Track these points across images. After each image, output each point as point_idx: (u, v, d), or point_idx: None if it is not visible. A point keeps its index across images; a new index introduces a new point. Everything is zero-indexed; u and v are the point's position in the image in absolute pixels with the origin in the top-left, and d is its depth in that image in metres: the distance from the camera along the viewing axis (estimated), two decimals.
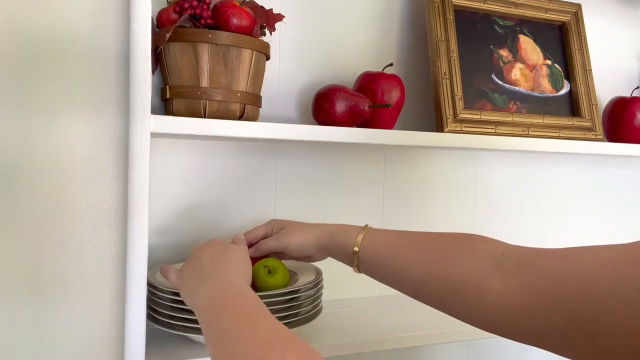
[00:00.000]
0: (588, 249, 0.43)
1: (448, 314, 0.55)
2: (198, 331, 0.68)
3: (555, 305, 0.42)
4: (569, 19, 1.04)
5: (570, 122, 0.99)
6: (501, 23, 0.99)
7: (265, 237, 0.75)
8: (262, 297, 0.68)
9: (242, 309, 0.48)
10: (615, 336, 0.38)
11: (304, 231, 0.71)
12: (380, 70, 0.88)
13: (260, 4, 0.78)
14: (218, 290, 0.53)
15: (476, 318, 0.50)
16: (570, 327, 0.40)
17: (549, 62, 1.02)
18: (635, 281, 0.37)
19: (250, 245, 0.74)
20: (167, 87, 0.73)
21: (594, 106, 1.02)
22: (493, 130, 0.92)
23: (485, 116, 0.92)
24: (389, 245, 0.62)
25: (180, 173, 0.84)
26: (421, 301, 0.58)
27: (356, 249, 0.64)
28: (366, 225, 0.67)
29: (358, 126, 0.84)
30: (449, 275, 0.53)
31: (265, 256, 0.81)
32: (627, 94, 1.11)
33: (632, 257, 0.39)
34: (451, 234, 0.58)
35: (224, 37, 0.70)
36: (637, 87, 1.14)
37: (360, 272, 0.66)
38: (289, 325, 0.71)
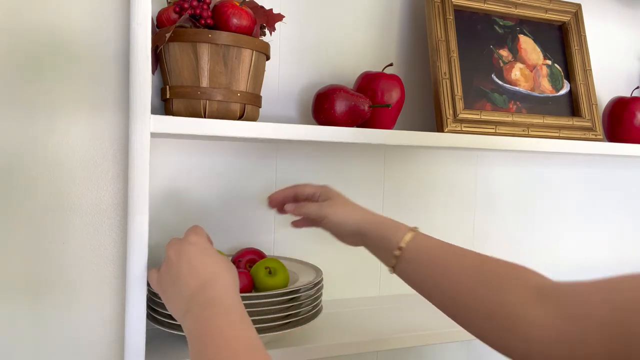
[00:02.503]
0: (624, 276, 0.43)
1: (483, 339, 0.53)
2: None
3: (592, 333, 0.41)
4: (569, 19, 1.04)
5: (570, 122, 0.99)
6: (501, 23, 0.99)
7: (311, 197, 0.74)
8: (262, 297, 0.68)
9: (227, 346, 0.47)
10: None
11: (350, 209, 0.68)
12: (380, 70, 0.88)
13: (260, 4, 0.78)
14: (204, 319, 0.50)
15: (513, 347, 0.49)
16: (609, 356, 0.40)
17: (549, 62, 1.02)
18: None
19: (294, 200, 0.74)
20: (167, 87, 0.73)
21: (594, 106, 1.02)
22: (493, 130, 0.92)
23: (485, 116, 0.92)
24: (439, 254, 0.59)
25: (180, 173, 0.84)
26: (455, 319, 0.56)
27: (402, 245, 0.61)
28: (415, 227, 0.64)
29: (358, 126, 0.84)
30: (494, 300, 0.52)
31: (262, 256, 0.81)
32: (627, 94, 1.11)
33: None
34: (500, 260, 0.57)
35: (224, 37, 0.70)
36: (637, 87, 1.14)
37: (394, 273, 0.63)
38: (289, 325, 0.71)
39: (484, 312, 0.52)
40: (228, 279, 0.56)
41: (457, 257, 0.59)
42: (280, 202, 0.76)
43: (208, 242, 0.62)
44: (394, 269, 0.63)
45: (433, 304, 0.59)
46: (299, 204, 0.72)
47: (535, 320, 0.47)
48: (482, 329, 0.53)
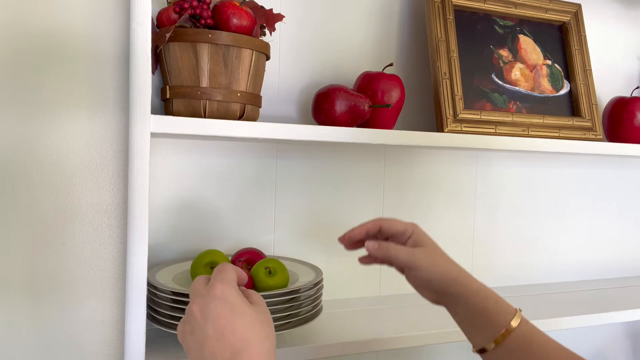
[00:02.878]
0: None
1: None
2: None
3: None
4: (569, 19, 1.04)
5: (570, 122, 0.99)
6: (501, 23, 0.99)
7: (399, 236, 0.63)
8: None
9: None
10: None
11: (447, 265, 0.59)
12: (380, 70, 0.88)
13: (260, 4, 0.78)
14: None
15: None
16: None
17: (549, 62, 1.02)
18: None
19: (375, 236, 0.63)
20: (167, 87, 0.73)
21: (594, 106, 1.02)
22: (493, 130, 0.92)
23: (485, 116, 0.92)
24: (548, 351, 0.52)
25: (180, 173, 0.84)
26: None
27: (509, 329, 0.53)
28: (519, 309, 0.56)
29: (358, 126, 0.84)
30: None
31: (262, 256, 0.81)
32: (627, 94, 1.11)
33: None
34: None
35: (224, 37, 0.70)
36: (637, 87, 1.14)
37: (481, 354, 0.55)
38: (289, 325, 0.71)
39: None
40: (260, 348, 0.46)
41: (564, 352, 0.52)
42: (361, 239, 0.64)
43: (238, 294, 0.49)
44: (483, 352, 0.55)
45: None
46: (383, 245, 0.61)
47: None
48: None
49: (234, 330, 0.46)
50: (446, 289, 0.58)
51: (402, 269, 0.62)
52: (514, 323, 0.53)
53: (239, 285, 0.51)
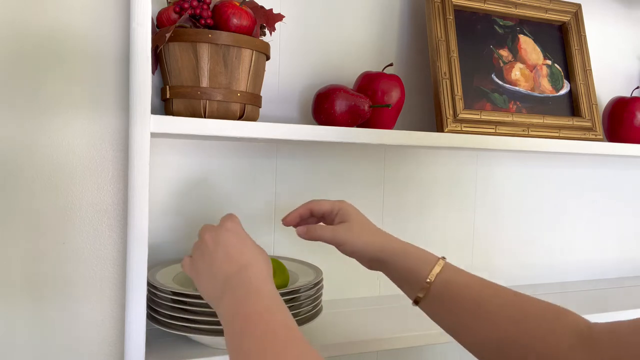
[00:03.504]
0: None
1: None
2: (198, 331, 0.68)
3: None
4: (569, 19, 1.04)
5: (570, 122, 0.99)
6: (501, 23, 0.99)
7: (328, 215, 0.69)
8: None
9: (266, 328, 0.46)
10: None
11: (368, 235, 0.64)
12: (380, 70, 0.88)
13: (260, 4, 0.78)
14: (241, 302, 0.49)
15: None
16: None
17: (549, 62, 1.02)
18: None
19: (311, 217, 0.69)
20: (167, 87, 0.73)
21: (594, 106, 1.02)
22: (493, 130, 0.92)
23: (485, 116, 0.92)
24: (471, 290, 0.56)
25: (180, 173, 0.84)
26: None
27: (430, 279, 0.58)
28: (443, 258, 0.61)
29: (358, 126, 0.84)
30: (532, 345, 0.49)
31: None
32: (627, 94, 1.11)
33: None
34: (538, 302, 0.53)
35: (224, 37, 0.70)
36: (637, 87, 1.14)
37: (417, 305, 0.60)
38: None
39: (521, 358, 0.49)
40: (263, 267, 0.55)
41: (492, 295, 0.55)
42: (296, 222, 0.71)
43: (244, 230, 0.60)
44: (417, 303, 0.60)
45: (461, 343, 0.55)
46: (310, 228, 0.67)
47: None
48: None
49: (241, 252, 0.55)
50: (374, 257, 0.63)
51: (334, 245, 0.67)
52: (435, 271, 0.58)
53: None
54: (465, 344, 0.55)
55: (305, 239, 0.68)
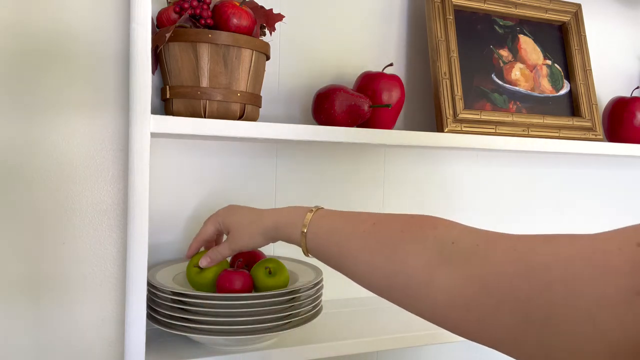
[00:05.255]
0: (549, 240, 0.37)
1: (400, 307, 0.49)
2: (198, 331, 0.68)
3: (508, 308, 0.36)
4: (569, 19, 1.04)
5: (570, 122, 0.99)
6: (501, 23, 0.99)
7: (218, 234, 0.74)
8: (262, 297, 0.68)
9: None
10: (568, 351, 0.33)
11: (251, 231, 0.66)
12: (380, 70, 0.88)
13: (260, 4, 0.78)
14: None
15: (425, 313, 0.45)
16: (522, 333, 0.35)
17: (549, 62, 1.02)
18: (592, 294, 0.32)
19: (203, 246, 0.73)
20: (167, 87, 0.73)
21: (594, 106, 1.02)
22: (493, 130, 0.92)
23: (485, 116, 0.92)
24: (333, 233, 0.56)
25: (180, 173, 0.84)
26: (374, 293, 0.52)
27: (303, 230, 0.59)
28: (317, 207, 0.62)
29: (358, 126, 0.84)
30: (393, 269, 0.47)
31: (262, 256, 0.81)
32: (627, 94, 1.11)
33: (591, 259, 0.34)
34: (400, 218, 0.52)
35: (224, 37, 0.70)
36: (637, 87, 1.14)
37: (309, 255, 0.62)
38: (289, 325, 0.71)
39: (389, 284, 0.48)
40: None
41: (353, 222, 0.55)
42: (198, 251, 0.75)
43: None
44: (307, 251, 0.61)
45: (346, 276, 0.55)
46: (211, 254, 0.71)
47: (441, 286, 0.42)
48: (394, 300, 0.48)
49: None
50: (267, 240, 0.66)
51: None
52: (309, 217, 0.60)
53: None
54: (347, 275, 0.55)
55: (214, 264, 0.71)
